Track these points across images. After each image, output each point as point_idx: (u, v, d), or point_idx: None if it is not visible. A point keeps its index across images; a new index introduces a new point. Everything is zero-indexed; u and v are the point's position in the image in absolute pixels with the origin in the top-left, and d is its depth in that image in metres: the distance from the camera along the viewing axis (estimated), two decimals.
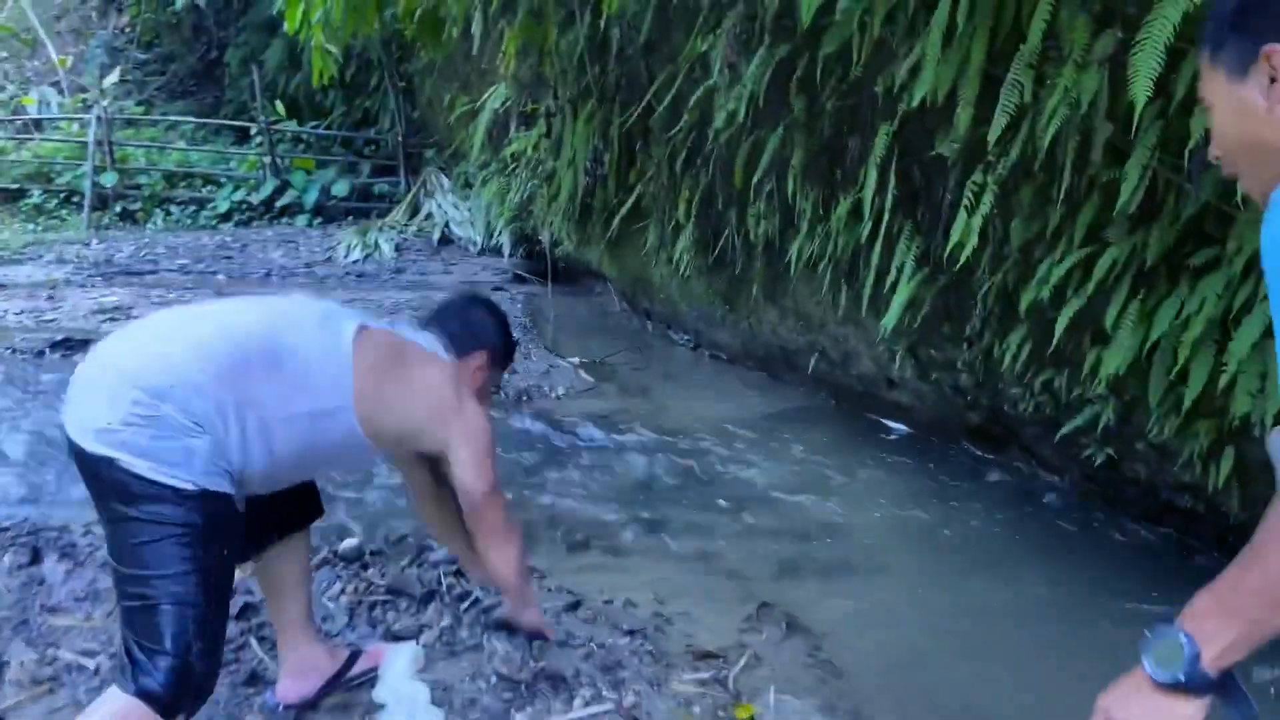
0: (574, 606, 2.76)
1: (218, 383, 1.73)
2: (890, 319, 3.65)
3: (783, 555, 3.24)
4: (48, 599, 2.66)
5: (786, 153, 4.23)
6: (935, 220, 3.62)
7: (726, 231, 5.07)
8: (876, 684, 2.45)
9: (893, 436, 4.53)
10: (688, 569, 3.14)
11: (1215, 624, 0.96)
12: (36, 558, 2.91)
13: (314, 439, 1.87)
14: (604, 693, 2.31)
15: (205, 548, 1.69)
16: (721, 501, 3.76)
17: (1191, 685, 0.97)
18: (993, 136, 3.00)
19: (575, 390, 5.36)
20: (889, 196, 3.62)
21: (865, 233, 3.74)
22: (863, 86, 3.75)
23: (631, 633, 2.61)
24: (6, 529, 3.13)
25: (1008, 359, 3.42)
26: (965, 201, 3.26)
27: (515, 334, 5.93)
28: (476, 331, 2.24)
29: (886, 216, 3.62)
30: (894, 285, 3.70)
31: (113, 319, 6.91)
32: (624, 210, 6.00)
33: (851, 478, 3.99)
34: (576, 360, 5.89)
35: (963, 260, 3.22)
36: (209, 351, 1.76)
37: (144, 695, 1.62)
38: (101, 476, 1.66)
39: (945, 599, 2.96)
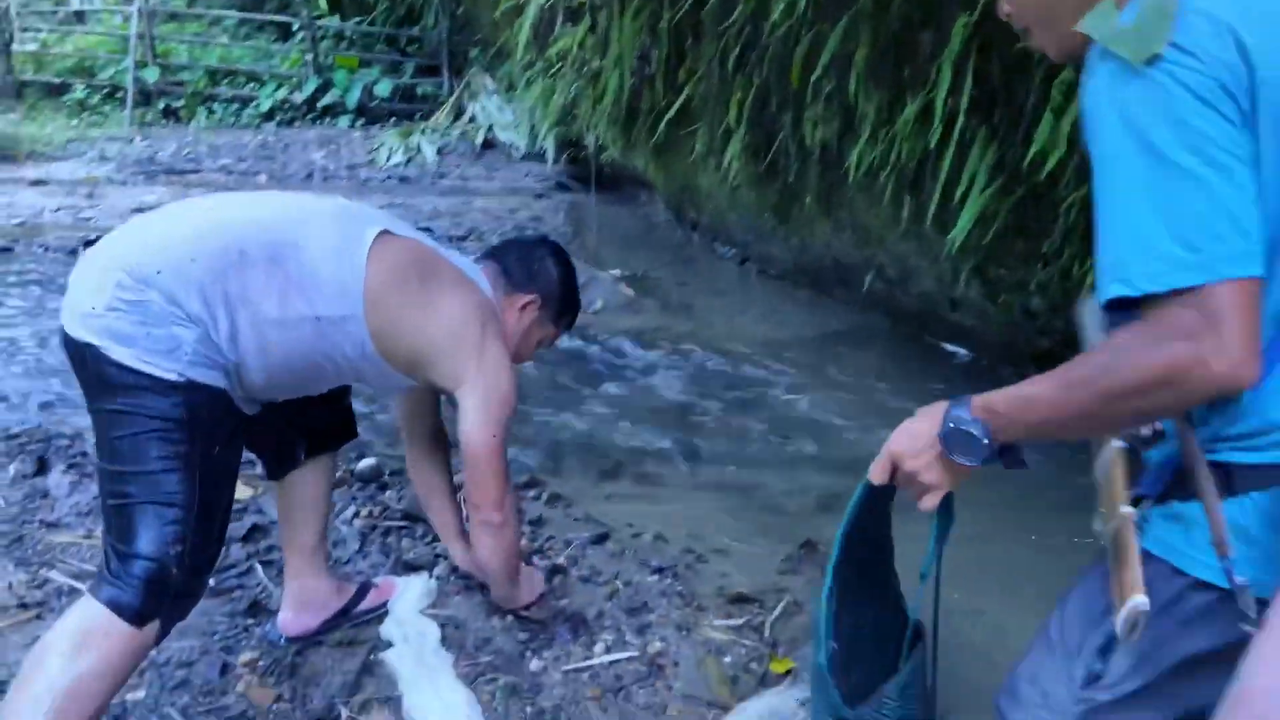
0: (600, 539, 2.57)
1: (208, 273, 1.57)
2: (959, 233, 3.32)
3: (829, 489, 3.00)
4: (49, 514, 2.53)
5: (850, 49, 3.84)
6: (1014, 125, 3.25)
7: (780, 136, 4.71)
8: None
9: (953, 361, 4.23)
10: (725, 502, 2.93)
11: (1007, 424, 1.06)
12: (43, 468, 2.80)
13: (321, 348, 1.70)
14: (628, 637, 2.13)
15: (191, 444, 1.54)
16: (765, 428, 3.53)
17: (982, 464, 1.10)
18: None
19: (614, 305, 5.12)
20: (964, 98, 3.25)
21: (935, 138, 3.38)
22: None
23: (660, 570, 2.41)
24: (16, 436, 3.02)
25: (1089, 280, 3.08)
26: (1051, 103, 2.89)
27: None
28: (534, 271, 2.04)
29: (960, 120, 3.26)
30: (964, 197, 3.36)
31: None
32: (671, 113, 5.62)
33: (907, 405, 3.69)
34: (618, 273, 5.63)
35: (1046, 170, 2.87)
36: (205, 240, 1.60)
37: (112, 604, 1.50)
38: (86, 364, 1.54)
39: (1005, 542, 2.72)
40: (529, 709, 1.90)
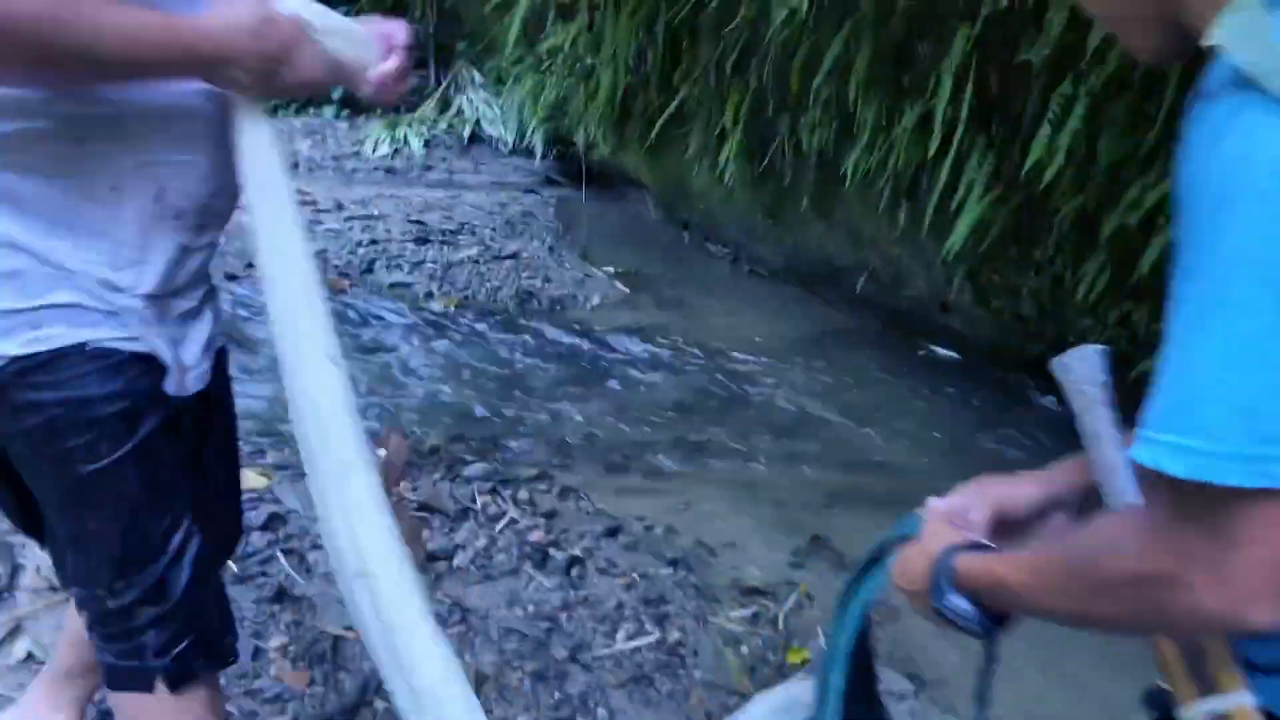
0: (613, 532, 2.64)
1: None
2: (956, 240, 3.42)
3: (830, 485, 3.10)
4: None
5: (850, 56, 3.93)
6: (1012, 135, 3.35)
7: (776, 140, 4.79)
8: (935, 630, 2.32)
9: (942, 364, 4.33)
10: (730, 496, 3.01)
11: (996, 603, 0.88)
12: None
13: None
14: (647, 626, 2.20)
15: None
16: (763, 425, 3.61)
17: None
18: (1092, 43, 2.73)
19: (610, 301, 5.18)
20: (963, 107, 3.35)
21: (933, 146, 3.47)
22: None
23: (674, 563, 2.49)
24: None
25: (1081, 288, 3.19)
26: (1050, 115, 2.99)
27: (546, 240, 5.66)
28: None
29: (959, 129, 3.35)
30: (960, 204, 3.46)
31: None
32: (666, 114, 5.70)
33: (899, 405, 3.82)
34: (611, 269, 5.69)
35: (1045, 180, 2.98)
36: None
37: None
38: None
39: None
40: (556, 694, 1.97)
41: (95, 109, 1.06)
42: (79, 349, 1.09)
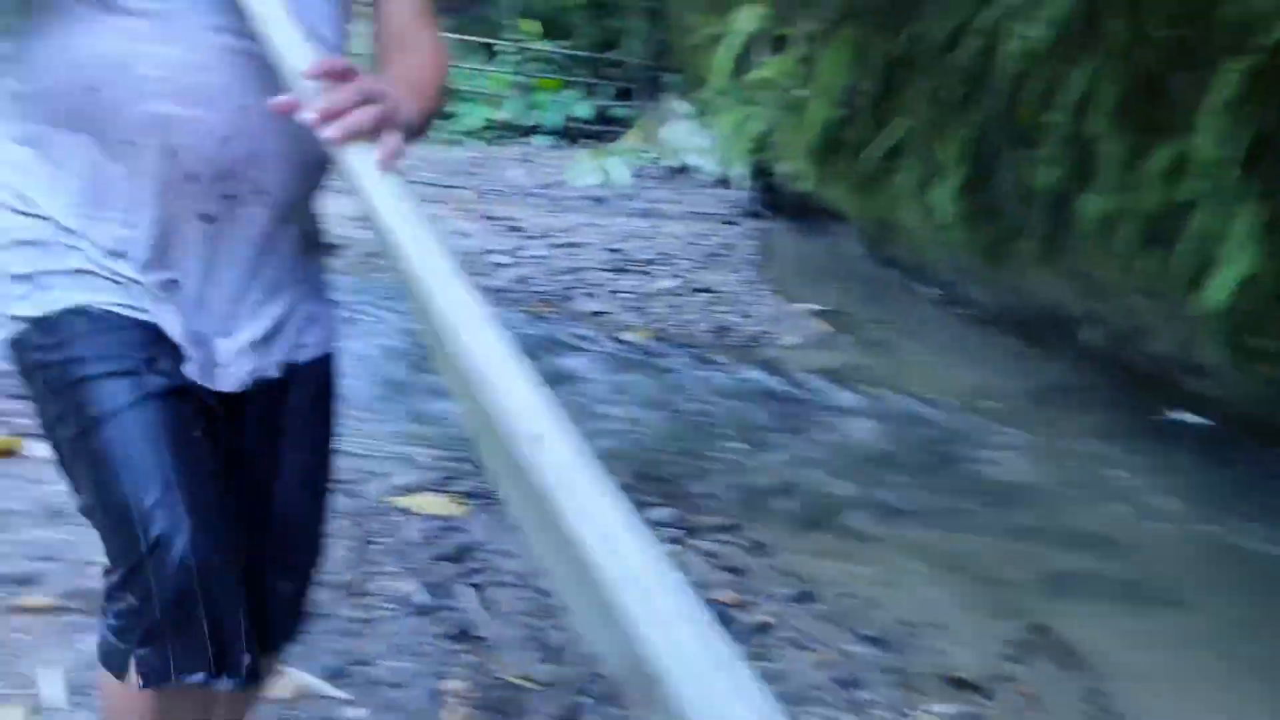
0: (805, 598, 2.45)
1: None
2: (1215, 295, 3.02)
3: (1053, 566, 2.78)
4: None
5: (1093, 89, 3.58)
6: None
7: (1000, 176, 4.46)
8: None
9: (1186, 431, 3.85)
10: (935, 568, 2.74)
11: None
12: None
13: None
14: (841, 714, 2.00)
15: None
16: (974, 488, 3.31)
17: None
18: None
19: (808, 340, 4.98)
20: (1231, 147, 2.96)
21: (1199, 190, 3.08)
22: (1205, 11, 3.06)
23: (872, 641, 2.28)
24: None
25: None
26: None
27: (744, 273, 5.53)
28: None
29: (1227, 171, 2.96)
30: (1223, 255, 3.05)
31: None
32: (878, 147, 5.46)
33: (1136, 476, 3.40)
34: (814, 307, 5.49)
35: None
36: None
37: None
38: None
39: (1262, 653, 2.41)
40: None
41: (101, 49, 1.06)
42: (83, 310, 1.10)
